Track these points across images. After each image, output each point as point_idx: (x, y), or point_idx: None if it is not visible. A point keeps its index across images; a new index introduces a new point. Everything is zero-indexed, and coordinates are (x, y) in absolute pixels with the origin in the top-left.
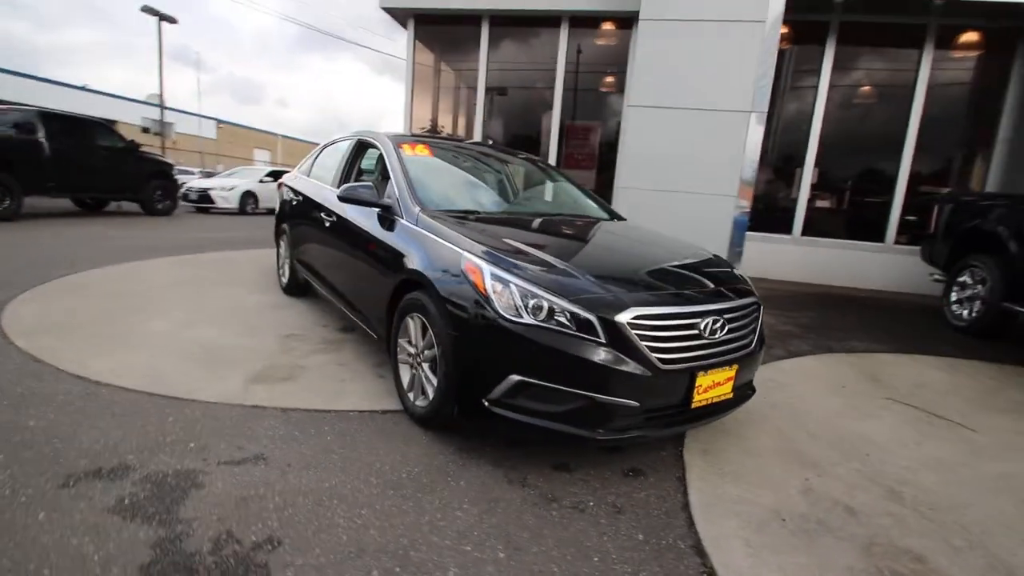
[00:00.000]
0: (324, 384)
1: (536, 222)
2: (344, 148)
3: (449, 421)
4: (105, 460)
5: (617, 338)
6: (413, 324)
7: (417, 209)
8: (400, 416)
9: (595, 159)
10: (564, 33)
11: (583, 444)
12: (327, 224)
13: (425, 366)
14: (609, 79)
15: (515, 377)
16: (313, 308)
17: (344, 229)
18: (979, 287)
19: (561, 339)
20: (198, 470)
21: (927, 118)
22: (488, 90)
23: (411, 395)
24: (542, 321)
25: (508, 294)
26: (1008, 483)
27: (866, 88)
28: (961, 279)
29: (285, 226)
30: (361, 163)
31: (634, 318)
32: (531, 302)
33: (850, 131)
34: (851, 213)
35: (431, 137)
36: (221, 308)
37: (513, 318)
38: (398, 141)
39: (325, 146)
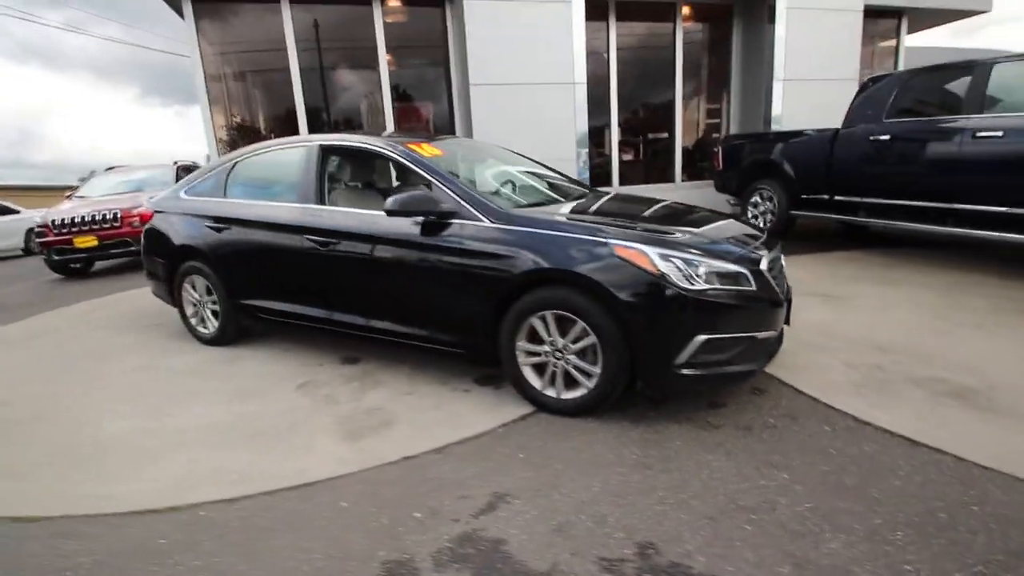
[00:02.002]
0: (427, 416)
1: (597, 203)
2: (297, 158)
3: (613, 402)
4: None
5: (762, 283)
6: (542, 323)
7: (496, 208)
8: (540, 417)
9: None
10: (378, 11)
11: (739, 382)
12: (318, 246)
13: (572, 359)
14: (434, 56)
15: (701, 337)
16: (276, 350)
17: (369, 247)
18: (768, 203)
19: (729, 295)
20: (475, 530)
21: (685, 78)
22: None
23: (550, 392)
24: (711, 283)
25: (677, 268)
26: (919, 321)
27: (642, 55)
28: (753, 200)
29: (199, 263)
30: (328, 172)
31: (767, 264)
32: (700, 270)
33: (636, 93)
34: (647, 162)
35: (402, 135)
36: (158, 381)
37: (689, 287)
38: (400, 143)
39: (239, 160)
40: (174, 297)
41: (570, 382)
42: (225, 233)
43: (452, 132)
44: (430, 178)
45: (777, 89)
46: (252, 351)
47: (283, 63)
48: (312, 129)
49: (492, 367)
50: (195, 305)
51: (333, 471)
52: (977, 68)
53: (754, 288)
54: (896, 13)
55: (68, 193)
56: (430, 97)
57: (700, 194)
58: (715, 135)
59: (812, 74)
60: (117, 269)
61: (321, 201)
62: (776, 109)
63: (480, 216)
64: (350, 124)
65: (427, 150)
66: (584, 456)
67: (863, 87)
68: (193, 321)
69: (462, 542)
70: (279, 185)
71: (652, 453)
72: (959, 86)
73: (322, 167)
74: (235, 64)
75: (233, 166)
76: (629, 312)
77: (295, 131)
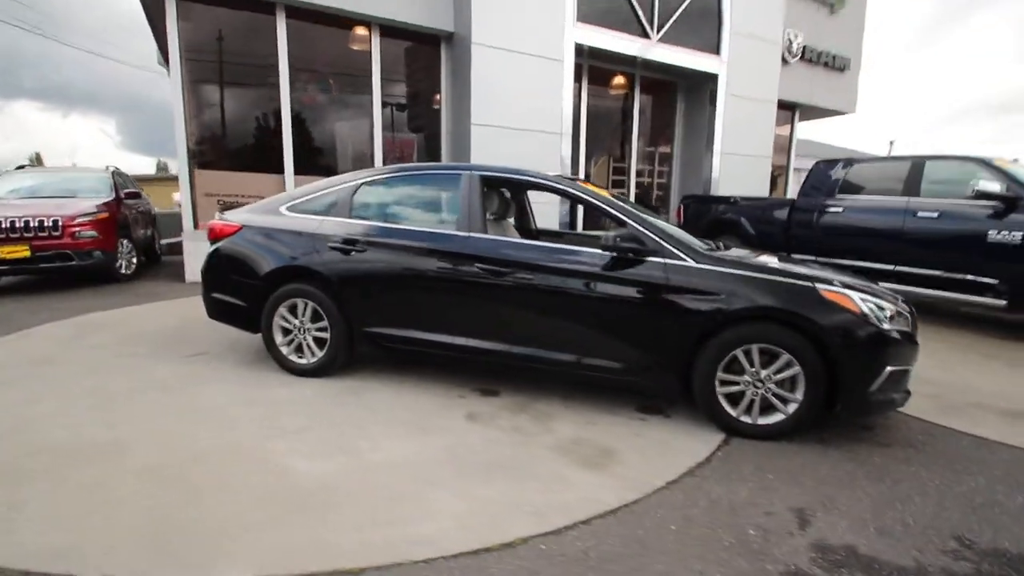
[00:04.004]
0: (635, 443)
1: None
2: (450, 185)
3: (808, 426)
4: None
5: (911, 323)
6: (745, 355)
7: (697, 249)
8: (738, 442)
9: None
10: (376, 41)
11: (896, 408)
12: (490, 276)
13: (772, 387)
14: (427, 93)
15: (889, 368)
16: (392, 382)
17: (554, 278)
18: None
19: (901, 332)
20: (819, 540)
21: (639, 139)
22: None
23: (745, 418)
24: (894, 323)
25: (872, 309)
26: None
27: (606, 116)
28: None
29: (308, 286)
30: (486, 203)
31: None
32: (887, 311)
33: (600, 148)
34: None
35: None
36: (286, 416)
37: (882, 325)
38: (569, 180)
39: (365, 181)
40: (257, 322)
41: (764, 409)
42: (356, 255)
43: None
44: (627, 220)
45: (716, 159)
46: (365, 383)
47: (273, 79)
48: (296, 152)
49: (655, 398)
50: (290, 332)
51: (621, 498)
52: (914, 161)
53: (910, 327)
54: (791, 107)
55: None
56: (418, 131)
57: None
58: (658, 193)
59: (739, 149)
60: (21, 288)
61: (484, 230)
62: (715, 175)
63: (683, 256)
64: (333, 149)
65: (600, 190)
66: (823, 472)
67: (814, 167)
68: (285, 350)
69: (822, 550)
70: (426, 211)
71: (868, 467)
72: (898, 173)
73: (483, 197)
74: (217, 75)
75: (359, 187)
76: (837, 347)
77: (278, 150)
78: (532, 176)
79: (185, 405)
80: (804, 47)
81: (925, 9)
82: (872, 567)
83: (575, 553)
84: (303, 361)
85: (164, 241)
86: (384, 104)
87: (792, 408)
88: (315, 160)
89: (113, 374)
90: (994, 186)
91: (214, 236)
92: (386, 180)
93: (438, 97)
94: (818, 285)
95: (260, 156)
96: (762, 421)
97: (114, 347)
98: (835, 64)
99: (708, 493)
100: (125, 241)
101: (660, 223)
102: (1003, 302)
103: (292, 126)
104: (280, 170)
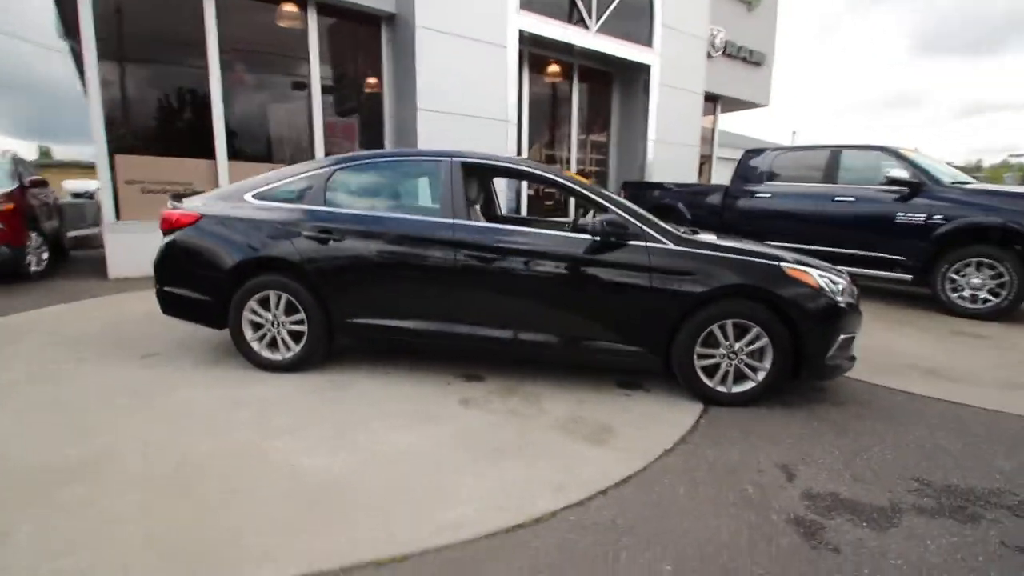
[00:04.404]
0: (626, 417)
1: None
2: (428, 172)
3: (774, 392)
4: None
5: (856, 294)
6: (720, 330)
7: (674, 232)
8: (716, 410)
9: None
10: (312, 18)
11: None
12: (478, 262)
13: (744, 358)
14: (367, 74)
15: (841, 336)
16: (376, 373)
17: (543, 263)
18: None
19: (849, 303)
20: (808, 489)
21: (579, 127)
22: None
23: (721, 388)
24: (843, 294)
25: (828, 283)
26: None
27: (546, 103)
28: None
29: (282, 278)
30: (465, 190)
31: None
32: (838, 284)
33: (540, 135)
34: (544, 197)
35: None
36: (278, 415)
37: (836, 297)
38: (553, 169)
39: (339, 167)
40: (221, 317)
41: (736, 378)
42: (336, 244)
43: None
44: (610, 206)
45: (650, 146)
46: (346, 376)
47: (201, 56)
48: (230, 136)
49: (634, 374)
50: (262, 326)
51: (629, 467)
52: (831, 151)
53: (855, 299)
54: (714, 99)
55: None
56: (357, 115)
57: None
58: (596, 180)
59: (670, 138)
60: None
61: (467, 216)
62: (649, 161)
63: (662, 239)
64: (269, 133)
65: (580, 178)
66: (795, 431)
67: (744, 156)
68: (256, 345)
69: (812, 499)
70: (404, 198)
71: (830, 424)
72: (818, 162)
73: (464, 183)
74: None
75: (333, 173)
76: (801, 319)
77: (208, 134)
78: (523, 165)
79: (162, 410)
80: (726, 42)
81: (827, 7)
82: (856, 508)
83: (604, 521)
84: (277, 357)
85: (71, 234)
86: (323, 87)
87: (761, 376)
88: (250, 145)
89: (65, 382)
90: (903, 173)
91: (168, 226)
92: (362, 166)
93: (379, 80)
94: (782, 264)
95: (189, 140)
96: (736, 389)
97: (53, 352)
98: (752, 59)
99: (704, 457)
100: (35, 235)
101: (638, 209)
102: (909, 276)
103: (224, 108)
104: (211, 155)
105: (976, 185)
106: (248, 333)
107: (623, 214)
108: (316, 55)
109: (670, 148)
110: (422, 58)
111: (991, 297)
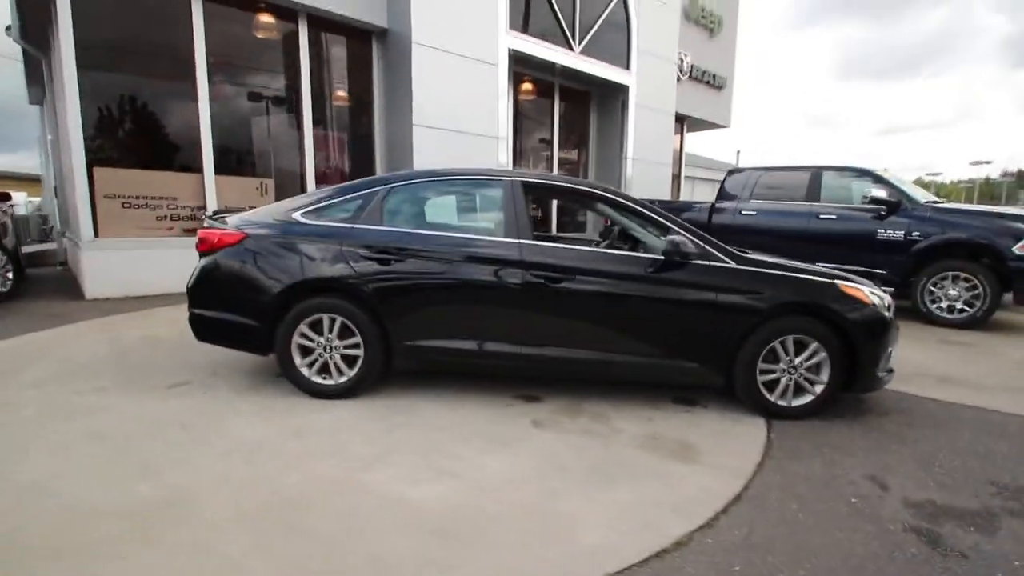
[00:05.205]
0: (700, 433)
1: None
2: (489, 192)
3: (831, 405)
4: None
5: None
6: (781, 345)
7: (734, 252)
8: (779, 423)
9: (345, 177)
10: (304, 32)
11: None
12: (547, 283)
13: (804, 372)
14: (361, 93)
15: (890, 349)
16: (430, 396)
17: (609, 282)
18: None
19: (893, 318)
20: (906, 498)
21: (560, 144)
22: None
23: (781, 402)
24: (888, 310)
25: (879, 299)
26: None
27: (530, 120)
28: None
29: (338, 300)
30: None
31: None
32: (887, 300)
33: (526, 151)
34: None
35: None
36: (346, 444)
37: (886, 313)
38: (615, 191)
39: (395, 185)
40: (267, 343)
41: (795, 392)
42: (397, 265)
43: (372, 168)
44: (674, 228)
45: (628, 164)
46: (404, 400)
47: (189, 68)
48: (217, 149)
49: (687, 390)
50: (312, 351)
51: (732, 486)
52: (813, 172)
53: (892, 313)
54: (682, 119)
55: None
56: (349, 130)
57: None
58: None
59: (646, 156)
60: None
61: (531, 237)
62: (627, 178)
63: (725, 259)
64: (257, 147)
65: (625, 195)
66: (860, 443)
67: (729, 174)
68: (306, 371)
69: (914, 507)
70: (465, 218)
71: (888, 434)
72: (800, 182)
73: (524, 202)
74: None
75: (388, 192)
76: (856, 333)
77: (195, 147)
78: (583, 186)
79: (222, 443)
80: (692, 66)
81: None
82: (957, 514)
83: (741, 541)
84: (329, 382)
85: (25, 249)
86: (314, 101)
87: (819, 389)
88: (239, 159)
89: (98, 414)
90: (882, 193)
91: (208, 247)
92: (419, 185)
93: (370, 96)
94: (837, 281)
95: (174, 153)
96: (796, 403)
97: (68, 382)
98: (715, 82)
99: (794, 472)
100: None
101: (697, 231)
102: (891, 289)
103: (212, 121)
104: (198, 169)
105: (946, 204)
106: (297, 359)
107: (689, 235)
108: (307, 68)
109: (646, 166)
110: (418, 74)
111: (967, 308)
